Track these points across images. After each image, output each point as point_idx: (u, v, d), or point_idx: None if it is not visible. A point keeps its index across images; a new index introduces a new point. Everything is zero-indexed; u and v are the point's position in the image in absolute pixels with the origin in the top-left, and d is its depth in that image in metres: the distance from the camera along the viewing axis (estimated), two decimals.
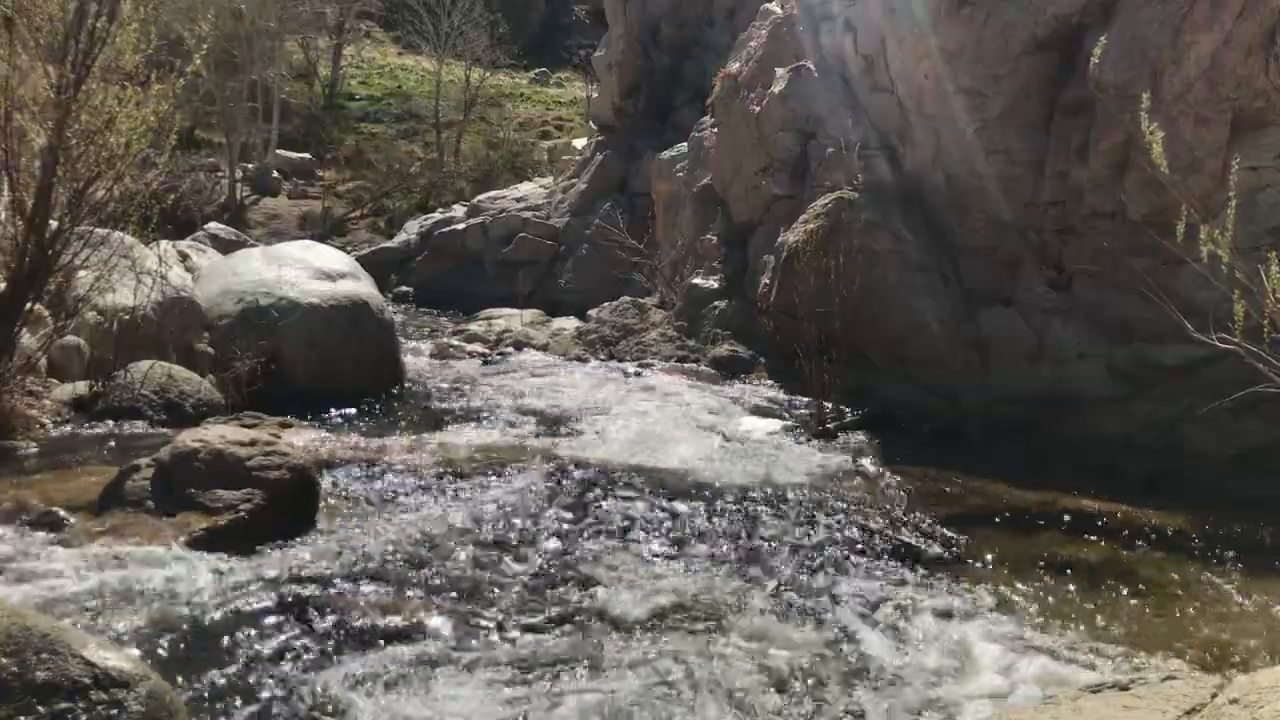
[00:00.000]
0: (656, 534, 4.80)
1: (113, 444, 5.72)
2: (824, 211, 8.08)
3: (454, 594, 3.98)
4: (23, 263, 5.56)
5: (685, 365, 9.38)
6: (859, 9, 8.75)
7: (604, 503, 5.20)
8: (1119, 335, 6.77)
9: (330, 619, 3.68)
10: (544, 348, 10.79)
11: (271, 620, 3.63)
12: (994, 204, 7.47)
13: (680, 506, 5.22)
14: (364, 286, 8.44)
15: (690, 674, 3.44)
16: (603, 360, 9.98)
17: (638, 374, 9.13)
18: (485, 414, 7.37)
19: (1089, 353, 6.90)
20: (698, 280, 10.48)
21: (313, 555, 4.23)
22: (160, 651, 3.35)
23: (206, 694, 3.16)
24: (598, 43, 19.82)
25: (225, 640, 3.47)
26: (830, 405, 7.33)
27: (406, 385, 8.34)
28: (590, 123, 21.41)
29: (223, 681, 3.23)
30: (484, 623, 3.76)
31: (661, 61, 17.19)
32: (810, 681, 3.45)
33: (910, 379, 7.58)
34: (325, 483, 5.07)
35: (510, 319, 12.38)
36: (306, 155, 24.81)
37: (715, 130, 11.05)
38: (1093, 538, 5.08)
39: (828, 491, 5.66)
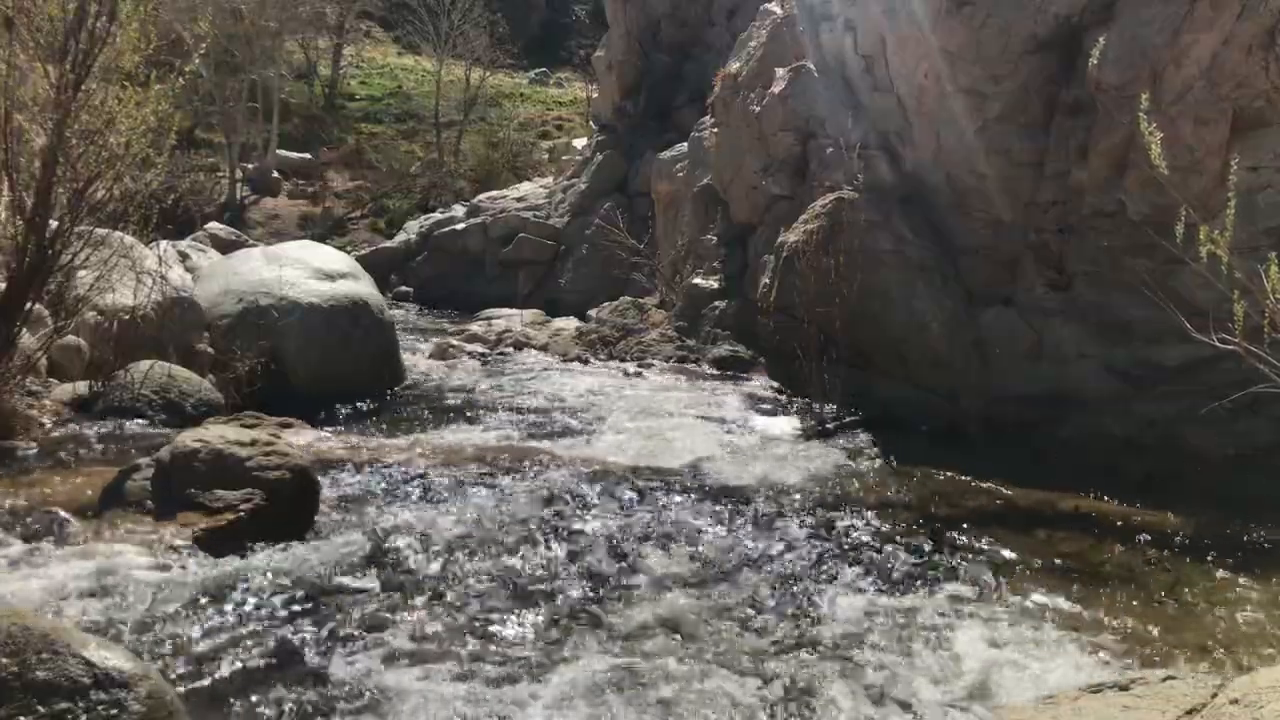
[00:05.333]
0: (655, 534, 4.80)
1: (113, 444, 5.72)
2: (824, 211, 8.07)
3: (454, 594, 3.98)
4: (23, 263, 5.56)
5: (685, 365, 9.38)
6: (859, 9, 8.74)
7: (603, 503, 5.21)
8: (1119, 335, 6.76)
9: (330, 619, 3.68)
10: (544, 348, 10.79)
11: (271, 620, 3.64)
12: (994, 204, 7.46)
13: (679, 507, 5.23)
14: (364, 286, 8.45)
15: (684, 675, 3.44)
16: (603, 360, 9.97)
17: (638, 374, 9.13)
18: (485, 414, 7.37)
19: (1089, 353, 6.89)
20: (698, 280, 10.48)
21: (313, 555, 4.23)
22: (160, 651, 3.35)
23: (206, 694, 3.16)
24: (598, 43, 19.83)
25: (225, 640, 3.47)
26: (830, 405, 7.33)
27: (406, 385, 8.34)
28: (590, 123, 21.42)
29: (223, 681, 3.24)
30: (484, 623, 3.76)
31: (661, 61, 17.20)
32: (808, 682, 3.45)
33: (910, 379, 7.58)
34: (325, 483, 5.07)
35: (510, 319, 12.39)
36: (306, 155, 24.82)
37: (715, 130, 11.04)
38: (1093, 538, 5.08)
39: (827, 492, 5.66)
